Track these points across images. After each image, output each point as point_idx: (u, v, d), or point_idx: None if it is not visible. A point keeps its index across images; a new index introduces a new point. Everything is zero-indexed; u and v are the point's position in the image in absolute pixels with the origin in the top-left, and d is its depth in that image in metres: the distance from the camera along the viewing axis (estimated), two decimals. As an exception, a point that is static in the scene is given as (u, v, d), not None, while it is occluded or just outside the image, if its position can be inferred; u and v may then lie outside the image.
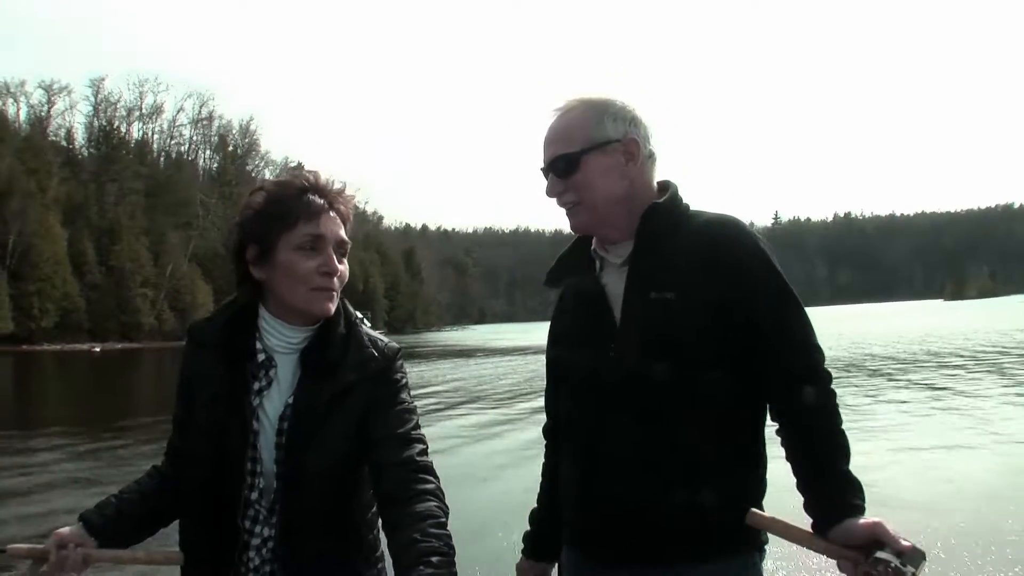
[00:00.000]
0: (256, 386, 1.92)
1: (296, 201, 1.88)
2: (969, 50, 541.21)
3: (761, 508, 1.79)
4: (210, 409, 1.91)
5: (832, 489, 1.72)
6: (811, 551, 1.70)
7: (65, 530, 1.90)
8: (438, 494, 1.79)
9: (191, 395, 1.98)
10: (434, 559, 1.62)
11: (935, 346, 33.31)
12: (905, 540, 1.58)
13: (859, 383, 19.70)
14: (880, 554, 1.56)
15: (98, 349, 69.72)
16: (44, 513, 8.88)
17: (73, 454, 13.50)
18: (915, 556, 1.56)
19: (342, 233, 1.93)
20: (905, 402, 16.22)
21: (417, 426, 1.93)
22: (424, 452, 1.88)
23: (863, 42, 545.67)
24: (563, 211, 2.01)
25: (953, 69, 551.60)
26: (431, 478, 1.82)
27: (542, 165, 1.98)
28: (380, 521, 1.87)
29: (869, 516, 1.65)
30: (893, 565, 1.53)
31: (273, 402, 1.91)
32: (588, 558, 1.98)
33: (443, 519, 1.73)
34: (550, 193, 1.98)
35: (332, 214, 1.91)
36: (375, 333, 2.02)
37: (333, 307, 1.93)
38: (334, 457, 1.88)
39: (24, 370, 43.91)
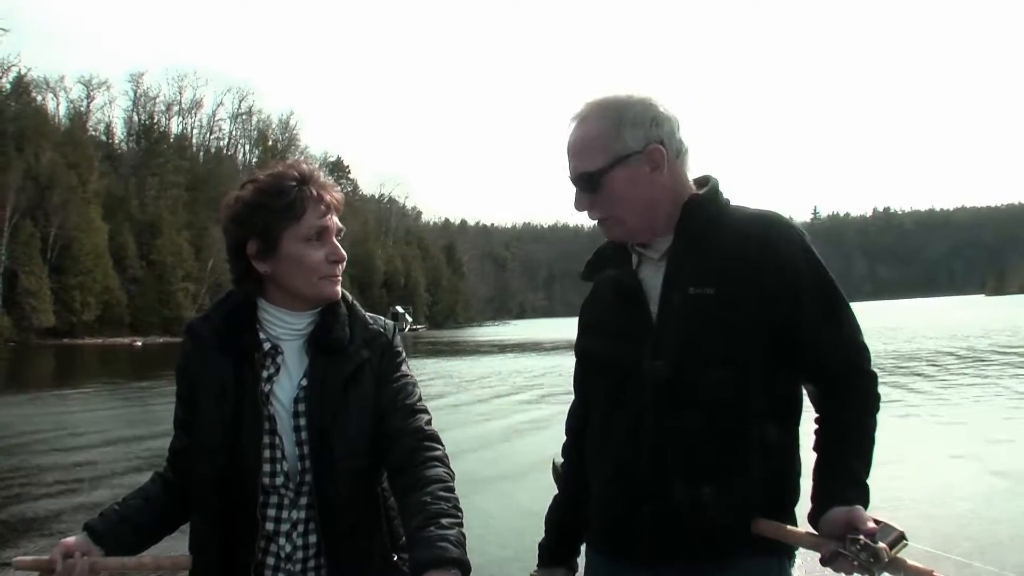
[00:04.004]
0: (265, 374, 1.95)
1: (298, 193, 1.93)
2: (1009, 43, 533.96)
3: (793, 511, 1.85)
4: (220, 402, 1.94)
5: (831, 481, 1.75)
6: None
7: (70, 539, 1.92)
8: (445, 460, 1.89)
9: (195, 392, 2.00)
10: (444, 520, 1.71)
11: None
12: (875, 521, 1.60)
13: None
14: (853, 535, 1.57)
15: (139, 343, 69.50)
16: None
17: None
18: (886, 532, 1.57)
19: (338, 221, 2.00)
20: None
21: (421, 397, 2.02)
22: (430, 422, 1.97)
23: (903, 36, 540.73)
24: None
25: (993, 62, 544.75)
26: (438, 445, 1.92)
27: (569, 176, 1.94)
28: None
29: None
30: (863, 541, 1.55)
31: (284, 388, 1.96)
32: (615, 558, 1.94)
33: (451, 483, 1.83)
34: (578, 207, 1.94)
35: (330, 203, 1.97)
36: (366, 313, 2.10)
37: (339, 289, 2.01)
38: (359, 432, 1.94)
39: (66, 363, 43.99)
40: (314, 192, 1.94)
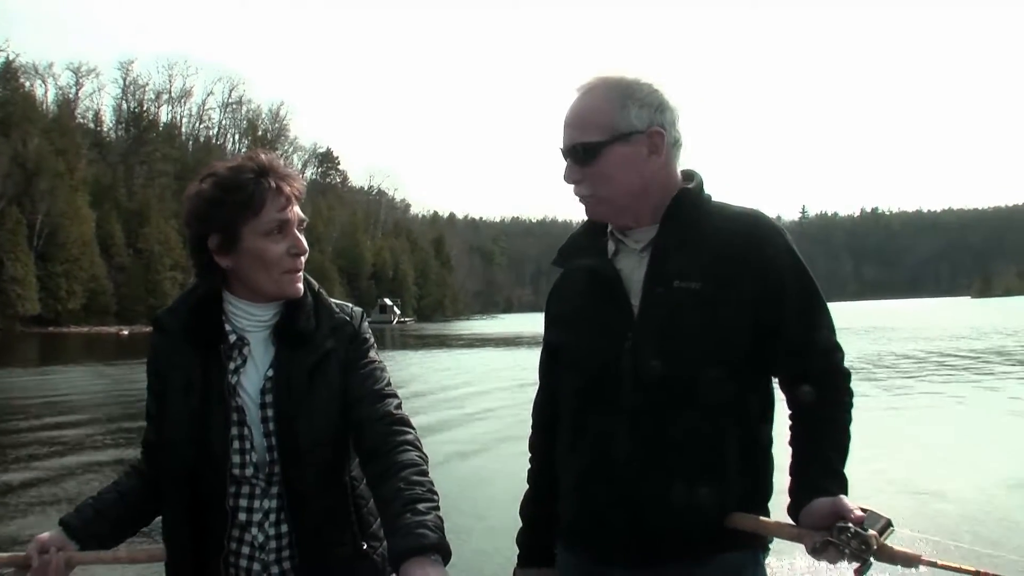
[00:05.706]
0: (231, 366, 1.95)
1: (256, 186, 1.90)
2: (998, 46, 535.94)
3: (767, 508, 1.85)
4: (187, 395, 1.93)
5: (811, 474, 1.75)
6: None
7: (45, 535, 1.92)
8: (417, 443, 1.88)
9: (164, 385, 1.99)
10: (420, 506, 1.69)
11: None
12: (862, 510, 1.60)
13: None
14: (842, 524, 1.58)
15: (125, 332, 69.16)
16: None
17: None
18: (874, 520, 1.57)
19: (300, 212, 1.97)
20: None
21: (389, 382, 2.01)
22: (399, 406, 1.96)
23: (892, 36, 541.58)
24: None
25: (982, 65, 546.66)
26: (408, 429, 1.90)
27: (561, 146, 1.90)
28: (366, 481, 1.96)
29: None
30: (853, 530, 1.55)
31: (251, 379, 1.95)
32: (588, 556, 1.91)
33: (424, 467, 1.82)
34: (567, 179, 1.90)
35: (290, 195, 1.94)
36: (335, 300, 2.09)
37: (302, 286, 1.98)
38: (325, 421, 1.94)
39: (50, 351, 43.72)
40: (273, 184, 1.91)
